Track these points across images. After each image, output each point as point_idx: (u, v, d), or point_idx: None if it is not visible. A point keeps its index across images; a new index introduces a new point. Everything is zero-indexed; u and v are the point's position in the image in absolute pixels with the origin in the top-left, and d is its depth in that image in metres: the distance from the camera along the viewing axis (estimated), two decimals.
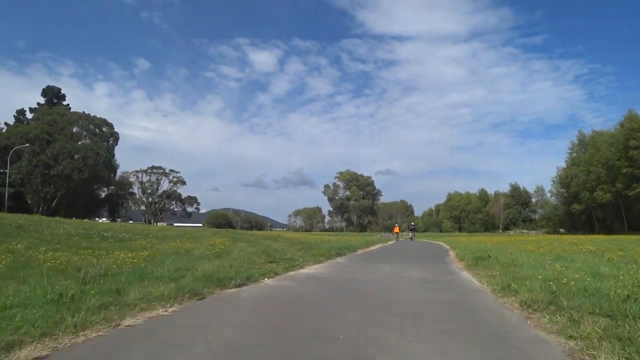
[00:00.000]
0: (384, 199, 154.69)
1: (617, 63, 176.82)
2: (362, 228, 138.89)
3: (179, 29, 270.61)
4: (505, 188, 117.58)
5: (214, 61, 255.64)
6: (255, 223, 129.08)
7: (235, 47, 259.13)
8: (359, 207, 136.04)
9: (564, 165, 63.04)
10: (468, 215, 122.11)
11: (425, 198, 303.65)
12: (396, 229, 50.50)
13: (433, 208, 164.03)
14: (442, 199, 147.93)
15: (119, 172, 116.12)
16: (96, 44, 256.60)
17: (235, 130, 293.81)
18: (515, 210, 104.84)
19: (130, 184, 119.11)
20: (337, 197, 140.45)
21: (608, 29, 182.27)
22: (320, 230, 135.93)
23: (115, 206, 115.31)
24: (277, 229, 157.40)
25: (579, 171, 54.24)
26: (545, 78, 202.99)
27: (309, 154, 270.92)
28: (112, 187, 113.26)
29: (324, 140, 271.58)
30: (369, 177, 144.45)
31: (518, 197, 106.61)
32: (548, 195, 71.68)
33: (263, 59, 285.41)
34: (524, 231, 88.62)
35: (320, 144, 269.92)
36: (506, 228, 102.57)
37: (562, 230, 67.25)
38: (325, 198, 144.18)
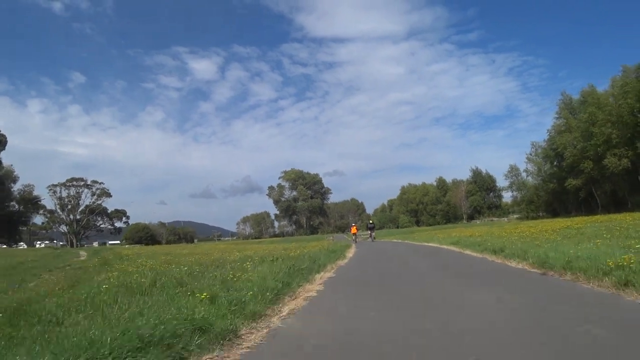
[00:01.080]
0: (334, 198, 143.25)
1: (548, 55, 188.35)
2: (313, 230, 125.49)
3: (113, 40, 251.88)
4: (454, 177, 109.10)
5: (152, 71, 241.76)
6: (185, 234, 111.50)
7: (174, 56, 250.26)
8: (307, 207, 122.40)
9: (544, 138, 52.88)
10: (426, 207, 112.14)
11: (374, 197, 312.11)
12: (353, 229, 41.36)
13: (386, 204, 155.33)
14: (392, 196, 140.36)
15: (19, 186, 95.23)
16: (27, 58, 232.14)
17: (178, 141, 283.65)
18: (480, 197, 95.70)
19: (36, 199, 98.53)
20: (283, 199, 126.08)
21: (539, 23, 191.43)
22: (270, 237, 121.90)
23: (13, 227, 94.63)
24: (227, 239, 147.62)
25: (571, 139, 43.57)
26: (482, 72, 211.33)
27: (255, 160, 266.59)
28: (8, 203, 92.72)
29: (270, 146, 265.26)
30: (316, 175, 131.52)
31: (481, 183, 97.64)
32: (524, 175, 61.17)
33: (203, 66, 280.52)
34: (494, 219, 78.73)
35: (266, 149, 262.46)
36: (471, 217, 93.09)
37: (541, 214, 57.04)
38: (271, 201, 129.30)
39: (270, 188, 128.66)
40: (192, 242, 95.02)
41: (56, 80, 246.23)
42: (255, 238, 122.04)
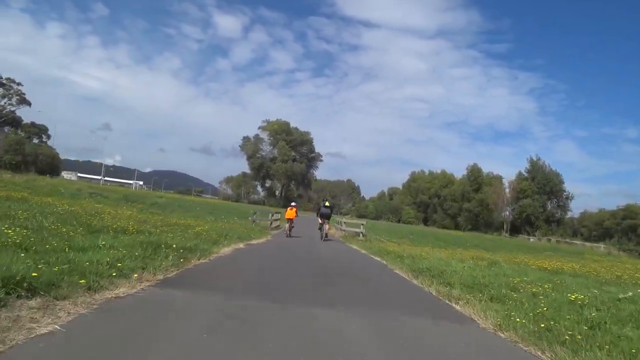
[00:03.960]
0: (327, 176, 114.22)
1: (569, 82, 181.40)
2: (288, 202, 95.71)
3: None
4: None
5: (176, 18, 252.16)
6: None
7: (200, 7, 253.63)
8: (285, 171, 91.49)
9: None
10: (443, 202, 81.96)
11: (372, 185, 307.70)
12: (290, 212, 20.21)
13: (386, 191, 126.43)
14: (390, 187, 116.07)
15: None
16: None
17: (190, 92, 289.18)
18: (537, 202, 64.90)
19: None
20: (257, 155, 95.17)
21: (567, 47, 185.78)
22: (249, 202, 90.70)
23: None
24: (207, 196, 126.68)
25: None
26: (503, 85, 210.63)
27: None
28: None
29: (279, 115, 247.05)
30: (307, 133, 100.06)
31: (543, 182, 66.73)
32: None
33: (227, 23, 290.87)
34: (561, 241, 48.31)
35: (274, 117, 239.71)
36: (516, 229, 62.80)
37: None
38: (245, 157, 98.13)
39: (245, 139, 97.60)
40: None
41: (79, 7, 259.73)
42: (235, 201, 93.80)
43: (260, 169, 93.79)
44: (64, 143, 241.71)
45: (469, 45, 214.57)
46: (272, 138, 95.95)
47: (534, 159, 72.12)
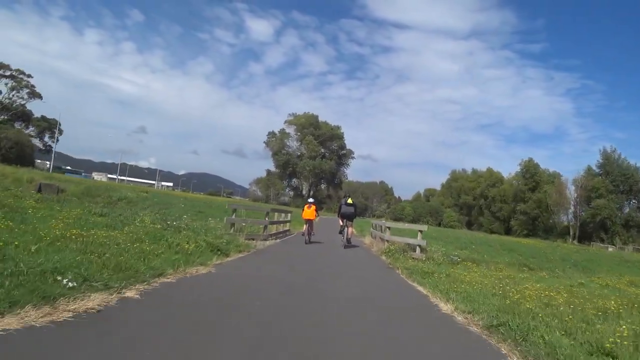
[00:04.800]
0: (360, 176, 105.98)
1: (607, 82, 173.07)
2: (316, 203, 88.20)
3: None
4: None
5: (209, 23, 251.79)
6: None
7: (233, 11, 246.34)
8: (312, 168, 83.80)
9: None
10: (491, 204, 72.09)
11: (403, 188, 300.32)
12: (308, 212, 15.52)
13: (422, 192, 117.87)
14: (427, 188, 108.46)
15: None
16: None
17: (223, 96, 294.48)
18: (613, 202, 54.25)
19: None
20: (283, 152, 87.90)
21: (605, 47, 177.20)
22: (278, 203, 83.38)
23: None
24: (237, 198, 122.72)
25: None
26: (538, 87, 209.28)
27: None
28: None
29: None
30: (337, 128, 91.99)
31: (620, 178, 56.05)
32: None
33: (260, 27, 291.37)
34: None
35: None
36: (586, 235, 52.51)
37: None
38: (270, 153, 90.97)
39: (270, 135, 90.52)
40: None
41: (116, 14, 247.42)
42: (265, 202, 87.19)
43: (286, 167, 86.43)
44: (101, 146, 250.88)
45: (503, 46, 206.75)
46: (299, 133, 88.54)
47: (608, 150, 60.84)
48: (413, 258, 10.97)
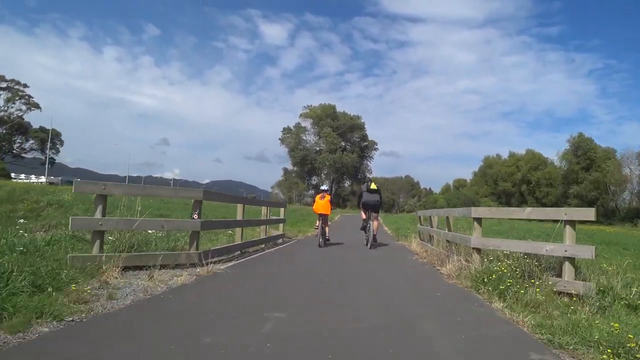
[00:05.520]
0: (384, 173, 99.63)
1: (632, 60, 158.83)
2: (338, 201, 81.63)
3: None
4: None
5: (224, 31, 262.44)
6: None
7: (246, 18, 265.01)
8: (333, 163, 77.33)
9: None
10: (535, 189, 64.04)
11: (429, 182, 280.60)
12: (321, 204, 12.00)
13: (451, 183, 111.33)
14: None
15: None
16: (106, 6, 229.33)
17: (242, 102, 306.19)
18: None
19: None
20: (300, 147, 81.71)
21: (626, 25, 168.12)
22: (302, 204, 77.66)
23: None
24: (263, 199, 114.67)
25: None
26: (559, 70, 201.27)
27: None
28: None
29: None
30: (357, 117, 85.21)
31: None
32: None
33: (274, 32, 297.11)
34: None
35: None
36: None
37: None
38: (286, 151, 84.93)
39: (285, 131, 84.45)
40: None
41: (132, 30, 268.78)
42: (289, 203, 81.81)
43: (304, 163, 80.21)
44: (125, 160, 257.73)
45: (520, 31, 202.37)
46: (315, 126, 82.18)
47: None
48: (557, 292, 4.51)
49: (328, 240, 11.79)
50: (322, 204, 11.67)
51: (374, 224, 11.41)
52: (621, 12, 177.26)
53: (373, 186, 11.48)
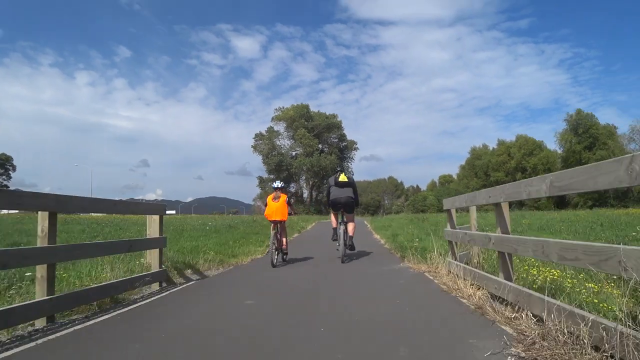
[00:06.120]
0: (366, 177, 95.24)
1: (600, 47, 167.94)
2: (319, 207, 74.93)
3: (160, 15, 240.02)
4: None
5: (196, 48, 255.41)
6: None
7: (217, 33, 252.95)
8: (310, 167, 70.74)
9: None
10: (532, 176, 58.43)
11: (411, 182, 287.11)
12: (274, 206, 8.83)
13: (437, 180, 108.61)
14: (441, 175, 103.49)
15: None
16: (76, 32, 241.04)
17: (219, 118, 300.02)
18: None
19: None
20: (274, 153, 74.79)
21: (592, 12, 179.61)
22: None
23: None
24: (243, 215, 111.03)
25: None
26: (530, 62, 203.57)
27: None
28: None
29: None
30: (334, 116, 78.99)
31: None
32: None
33: (246, 45, 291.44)
34: None
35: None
36: None
37: None
38: (260, 158, 77.65)
39: (257, 137, 77.45)
40: None
41: (103, 53, 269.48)
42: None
43: (280, 170, 73.18)
44: (106, 185, 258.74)
45: (490, 27, 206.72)
46: (290, 129, 75.53)
47: None
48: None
49: (286, 255, 8.93)
50: (275, 207, 8.67)
51: (348, 228, 8.85)
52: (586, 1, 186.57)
53: (343, 178, 8.94)
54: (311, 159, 70.18)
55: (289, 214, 8.88)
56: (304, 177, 74.64)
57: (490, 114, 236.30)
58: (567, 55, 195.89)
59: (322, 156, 72.00)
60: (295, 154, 74.76)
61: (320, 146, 75.56)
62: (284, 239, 8.80)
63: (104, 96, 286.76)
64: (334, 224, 9.16)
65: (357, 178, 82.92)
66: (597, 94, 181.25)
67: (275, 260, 8.10)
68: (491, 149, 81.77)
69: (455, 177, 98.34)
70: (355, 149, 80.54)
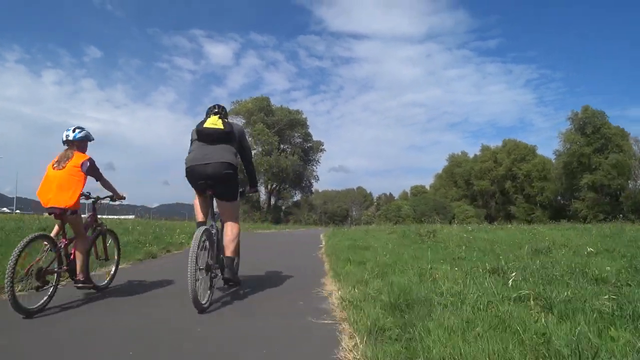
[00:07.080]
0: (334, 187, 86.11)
1: (565, 69, 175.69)
2: (278, 215, 64.45)
3: (133, 17, 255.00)
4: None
5: (168, 52, 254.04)
6: None
7: (190, 39, 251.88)
8: (269, 167, 60.30)
9: None
10: (525, 185, 50.51)
11: (380, 194, 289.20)
12: (47, 183, 3.76)
13: (408, 191, 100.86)
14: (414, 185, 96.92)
15: None
16: (45, 29, 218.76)
17: (188, 123, 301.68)
18: None
19: None
20: None
21: (559, 35, 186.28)
22: (262, 221, 58.37)
23: None
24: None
25: None
26: (499, 81, 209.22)
27: None
28: None
29: None
30: (298, 112, 69.23)
31: None
32: None
33: (219, 51, 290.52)
34: None
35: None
36: None
37: None
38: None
39: None
40: None
41: (72, 52, 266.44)
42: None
43: None
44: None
45: (460, 45, 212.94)
46: (247, 124, 65.06)
47: None
48: None
49: (83, 286, 3.98)
50: (53, 180, 3.82)
51: (225, 233, 4.19)
52: (554, 24, 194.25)
53: (214, 122, 4.35)
54: (269, 159, 59.80)
55: (86, 195, 4.20)
56: (261, 180, 64.22)
57: (459, 129, 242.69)
58: (533, 75, 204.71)
59: (283, 155, 61.83)
60: (253, 152, 64.37)
61: (281, 145, 65.47)
62: (80, 255, 3.87)
63: (70, 96, 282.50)
64: (199, 217, 4.28)
65: (325, 187, 73.50)
66: (560, 115, 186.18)
67: (34, 305, 3.30)
68: (475, 154, 74.27)
69: (428, 187, 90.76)
70: (322, 150, 70.55)
